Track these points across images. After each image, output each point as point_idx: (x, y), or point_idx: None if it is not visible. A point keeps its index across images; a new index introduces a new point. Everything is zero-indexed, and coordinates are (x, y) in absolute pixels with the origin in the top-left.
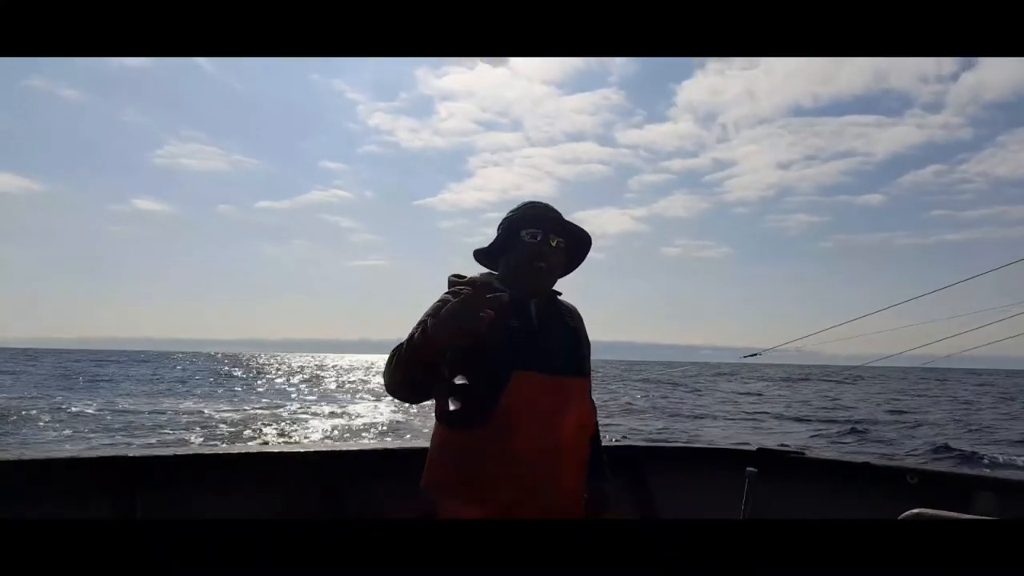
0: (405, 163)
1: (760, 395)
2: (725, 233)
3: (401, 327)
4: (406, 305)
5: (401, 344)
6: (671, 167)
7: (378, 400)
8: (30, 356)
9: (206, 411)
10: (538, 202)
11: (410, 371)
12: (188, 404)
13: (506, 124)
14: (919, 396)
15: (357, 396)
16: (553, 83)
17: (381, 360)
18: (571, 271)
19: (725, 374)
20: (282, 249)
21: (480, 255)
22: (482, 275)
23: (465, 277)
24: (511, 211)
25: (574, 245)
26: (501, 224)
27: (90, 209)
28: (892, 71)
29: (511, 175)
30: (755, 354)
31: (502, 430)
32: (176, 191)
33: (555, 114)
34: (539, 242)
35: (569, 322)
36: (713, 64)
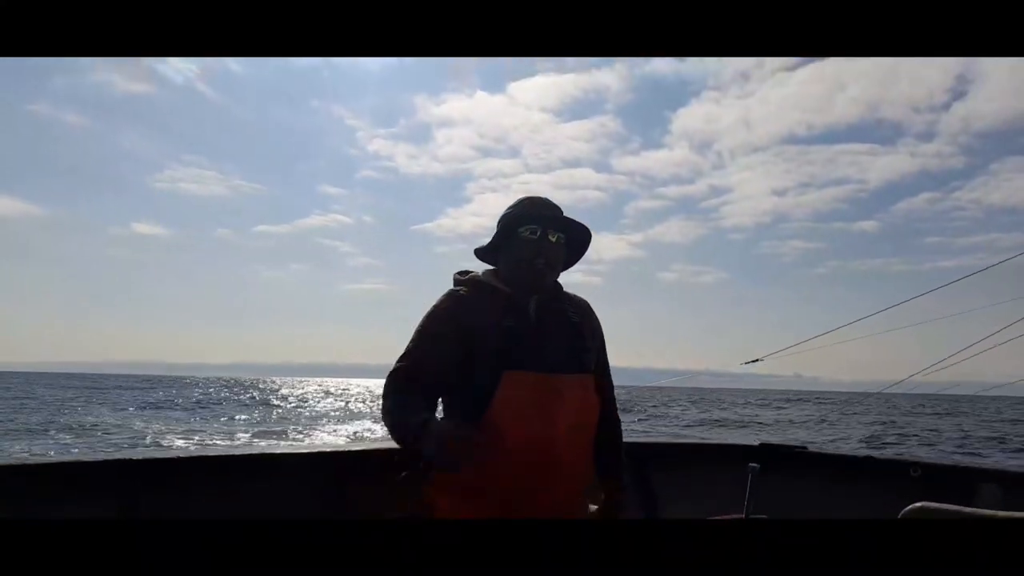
0: (403, 188)
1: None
2: (722, 259)
3: (398, 352)
4: (403, 330)
5: (396, 371)
6: (667, 193)
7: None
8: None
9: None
10: (536, 197)
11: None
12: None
13: (504, 151)
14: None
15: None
16: (550, 110)
17: (376, 384)
18: (572, 265)
19: (695, 400)
20: (280, 273)
21: (481, 253)
22: (484, 272)
23: (469, 273)
24: (509, 207)
25: (574, 240)
26: (500, 220)
27: (90, 233)
28: (884, 101)
29: (508, 201)
30: (756, 360)
31: (494, 430)
32: (176, 215)
33: (552, 141)
34: (538, 239)
35: (572, 317)
36: (708, 92)
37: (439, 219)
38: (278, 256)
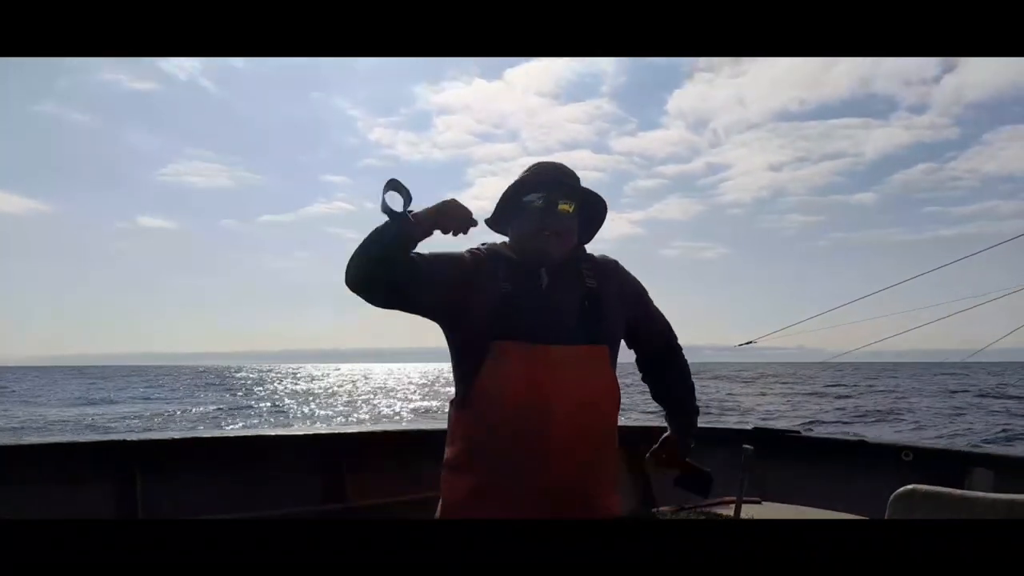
0: (405, 175)
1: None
2: (721, 234)
3: (402, 334)
4: (407, 316)
5: (377, 228)
6: (665, 172)
7: None
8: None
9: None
10: (548, 162)
11: (381, 248)
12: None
13: (503, 135)
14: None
15: None
16: (547, 94)
17: (382, 367)
18: (588, 239)
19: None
20: (285, 261)
21: (490, 223)
22: (498, 244)
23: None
24: (522, 173)
25: (587, 208)
26: (510, 187)
27: (97, 228)
28: (876, 76)
29: (509, 183)
30: (750, 342)
31: (482, 404)
32: (181, 208)
33: (550, 124)
34: (544, 207)
35: (588, 283)
36: (701, 73)
37: None
38: (283, 245)
